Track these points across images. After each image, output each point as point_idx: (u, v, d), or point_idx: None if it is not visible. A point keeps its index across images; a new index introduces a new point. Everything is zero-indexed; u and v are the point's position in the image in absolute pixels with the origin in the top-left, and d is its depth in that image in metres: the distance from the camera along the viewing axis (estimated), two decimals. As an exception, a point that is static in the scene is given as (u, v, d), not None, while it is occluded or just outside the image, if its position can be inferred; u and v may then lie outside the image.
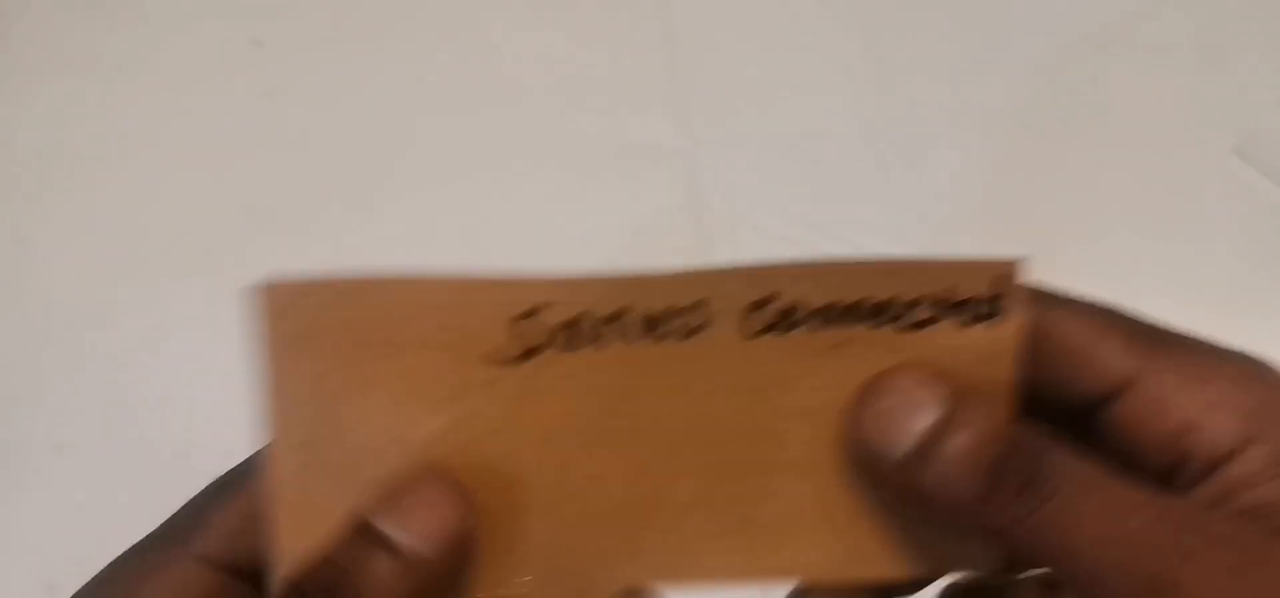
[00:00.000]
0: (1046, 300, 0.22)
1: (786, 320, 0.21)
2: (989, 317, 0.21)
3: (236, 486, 0.23)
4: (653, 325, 0.21)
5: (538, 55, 0.67)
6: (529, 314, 0.21)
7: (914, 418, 0.20)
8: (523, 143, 0.62)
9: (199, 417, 0.52)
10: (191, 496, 0.23)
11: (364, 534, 0.21)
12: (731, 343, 0.21)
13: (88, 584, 0.24)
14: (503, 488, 0.22)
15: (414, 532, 0.20)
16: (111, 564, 0.23)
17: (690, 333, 0.21)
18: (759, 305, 0.21)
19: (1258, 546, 0.19)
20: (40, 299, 0.57)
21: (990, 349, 0.21)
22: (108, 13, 0.68)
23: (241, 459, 0.23)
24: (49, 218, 0.60)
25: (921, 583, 0.23)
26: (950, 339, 0.21)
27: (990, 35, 0.66)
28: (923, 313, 0.22)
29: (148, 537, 0.23)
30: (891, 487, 0.21)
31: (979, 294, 0.21)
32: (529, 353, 0.21)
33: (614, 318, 0.21)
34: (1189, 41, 0.68)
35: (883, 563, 0.22)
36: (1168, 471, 0.21)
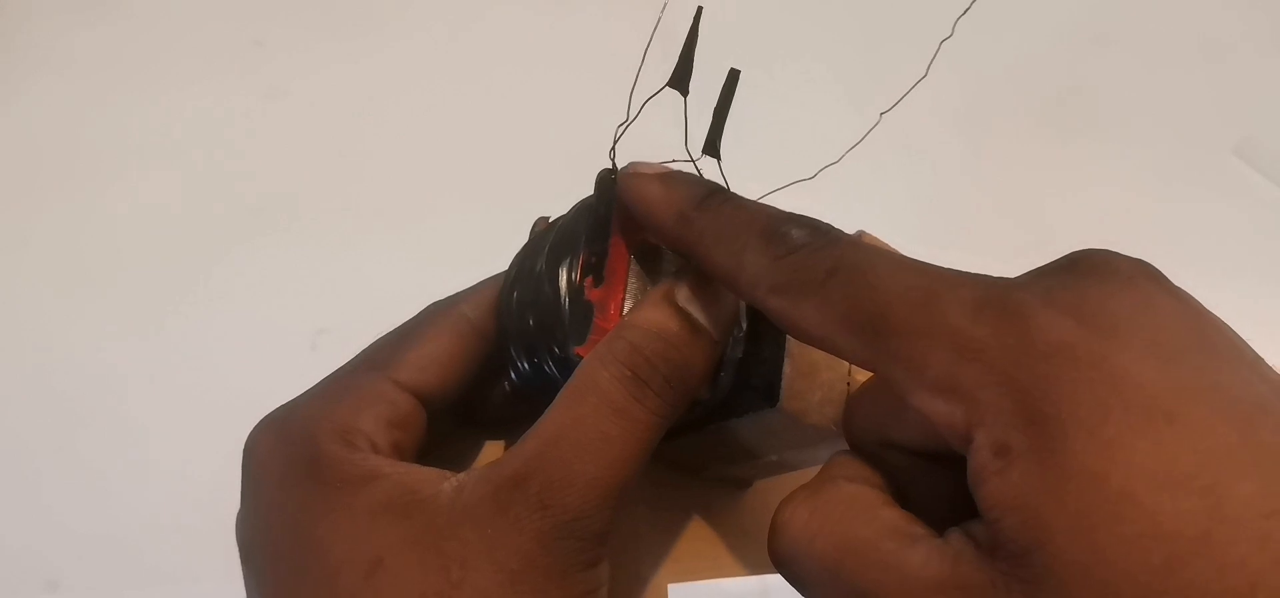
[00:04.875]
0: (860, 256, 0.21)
1: None
2: None
3: (420, 329, 0.27)
4: None
5: (540, 52, 0.67)
6: None
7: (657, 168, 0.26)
8: (525, 142, 0.62)
9: (198, 414, 0.52)
10: (377, 338, 0.27)
11: (680, 314, 0.24)
12: None
13: (302, 396, 0.26)
14: None
15: (711, 316, 0.24)
16: (322, 383, 0.26)
17: None
18: None
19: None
20: (40, 299, 0.57)
21: None
22: (108, 13, 0.68)
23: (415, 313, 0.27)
24: (49, 218, 0.60)
25: None
26: None
27: (990, 35, 0.66)
28: None
29: (349, 364, 0.27)
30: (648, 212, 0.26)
31: None
32: None
33: None
34: (1189, 41, 0.68)
35: None
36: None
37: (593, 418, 0.23)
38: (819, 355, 0.25)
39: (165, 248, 0.58)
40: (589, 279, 0.25)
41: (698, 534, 0.31)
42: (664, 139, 0.26)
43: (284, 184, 0.61)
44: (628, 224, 0.26)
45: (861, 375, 0.26)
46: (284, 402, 0.26)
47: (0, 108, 0.64)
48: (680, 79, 0.26)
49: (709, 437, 0.28)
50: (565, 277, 0.26)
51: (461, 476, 0.24)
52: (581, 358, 0.24)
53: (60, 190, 0.61)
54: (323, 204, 0.60)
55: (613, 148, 0.26)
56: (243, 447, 0.26)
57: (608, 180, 0.26)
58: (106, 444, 0.52)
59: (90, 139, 0.63)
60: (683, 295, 0.24)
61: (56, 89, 0.65)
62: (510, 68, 0.66)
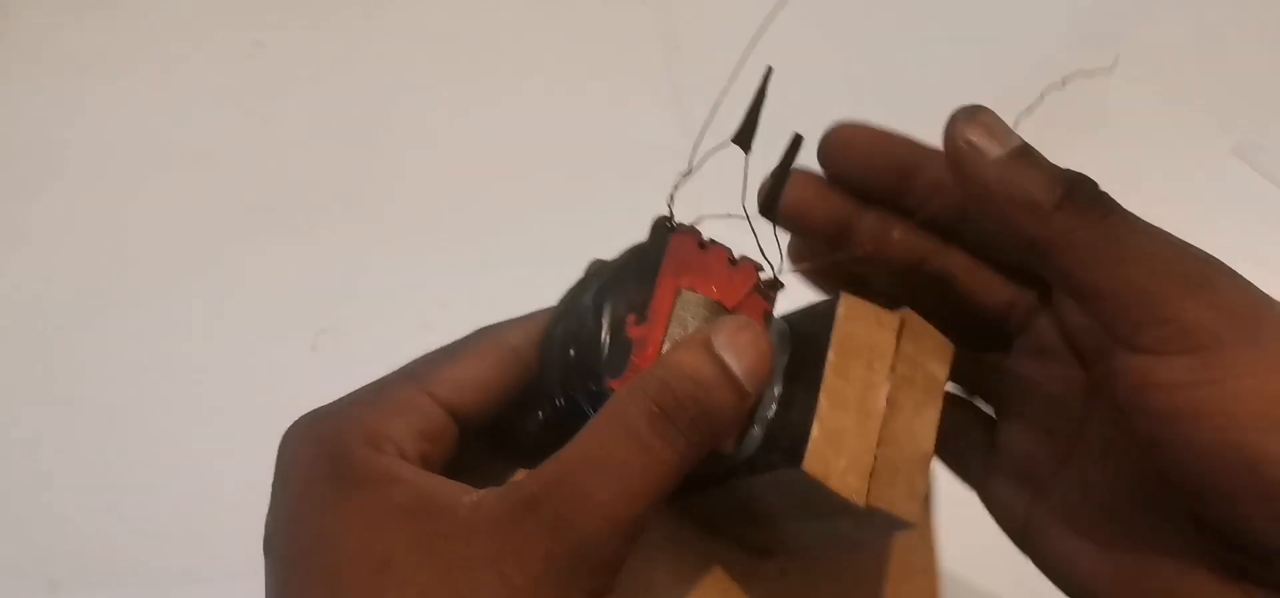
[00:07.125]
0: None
1: None
2: None
3: (463, 349, 0.28)
4: None
5: (541, 53, 0.67)
6: None
7: (1010, 134, 0.27)
8: (525, 143, 0.62)
9: (199, 414, 0.52)
10: (423, 354, 0.27)
11: (715, 360, 0.25)
12: None
13: (341, 399, 0.27)
14: None
15: (745, 367, 0.25)
16: (361, 389, 0.27)
17: None
18: None
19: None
20: (40, 299, 0.57)
21: None
22: (108, 13, 0.68)
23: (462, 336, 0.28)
24: (49, 218, 0.60)
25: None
26: None
27: (990, 35, 0.66)
28: None
29: (390, 375, 0.27)
30: (984, 185, 0.26)
31: None
32: None
33: None
34: (1189, 41, 0.68)
35: None
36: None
37: (614, 446, 0.24)
38: (849, 423, 0.26)
39: (166, 248, 0.58)
40: (633, 316, 0.26)
41: (714, 591, 0.31)
42: (719, 191, 0.26)
43: (284, 185, 0.61)
44: (677, 269, 0.27)
45: (890, 449, 0.26)
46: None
47: (0, 108, 0.64)
48: (744, 136, 0.26)
49: (730, 493, 0.28)
50: (609, 311, 0.27)
51: (483, 491, 0.24)
52: (614, 392, 0.25)
53: (60, 190, 0.61)
54: (323, 205, 0.60)
55: (671, 195, 0.27)
56: (278, 443, 0.26)
57: (663, 227, 0.27)
58: (107, 444, 0.52)
59: (90, 139, 0.63)
60: (720, 343, 0.25)
61: (58, 89, 0.65)
62: (506, 71, 0.66)
